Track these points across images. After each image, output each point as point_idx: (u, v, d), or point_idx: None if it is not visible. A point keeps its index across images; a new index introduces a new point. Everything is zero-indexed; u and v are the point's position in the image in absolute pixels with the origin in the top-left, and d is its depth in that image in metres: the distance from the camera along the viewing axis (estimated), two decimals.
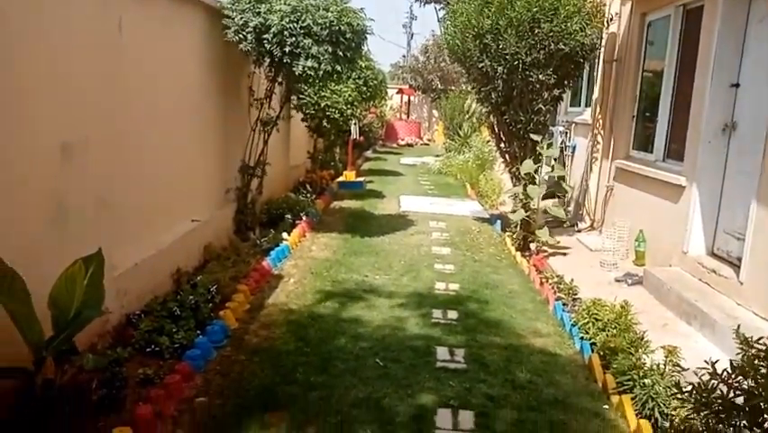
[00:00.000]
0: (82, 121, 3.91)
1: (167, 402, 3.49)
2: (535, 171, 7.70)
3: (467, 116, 17.68)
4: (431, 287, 6.21)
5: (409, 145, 26.53)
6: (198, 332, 4.45)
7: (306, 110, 9.71)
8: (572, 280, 6.17)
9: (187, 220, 6.05)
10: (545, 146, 7.49)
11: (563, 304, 5.71)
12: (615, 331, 4.66)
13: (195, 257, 6.13)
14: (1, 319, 2.95)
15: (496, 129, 8.35)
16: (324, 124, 9.96)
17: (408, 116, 29.75)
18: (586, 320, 4.95)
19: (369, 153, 20.36)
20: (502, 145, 8.34)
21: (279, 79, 7.54)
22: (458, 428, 3.53)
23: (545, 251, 7.73)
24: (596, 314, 4.94)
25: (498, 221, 9.34)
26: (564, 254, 7.78)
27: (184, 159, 5.96)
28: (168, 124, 5.49)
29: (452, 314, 5.45)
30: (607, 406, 3.95)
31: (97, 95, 4.09)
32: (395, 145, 25.99)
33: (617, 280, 6.62)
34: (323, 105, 9.75)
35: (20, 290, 2.94)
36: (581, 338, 4.86)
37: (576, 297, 5.93)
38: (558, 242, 7.94)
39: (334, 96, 9.87)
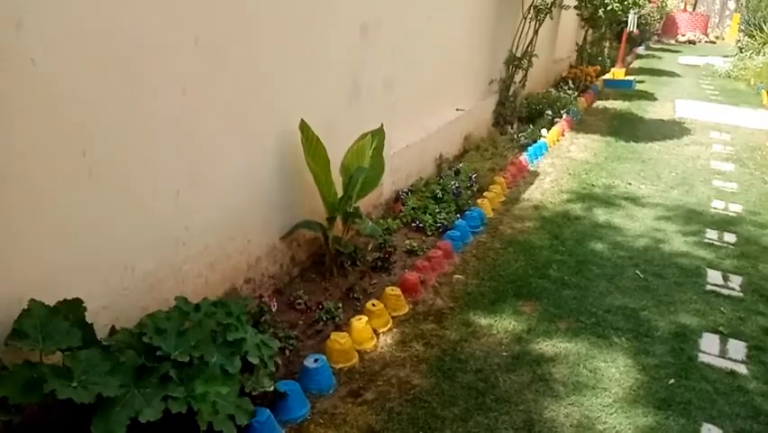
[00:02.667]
0: (377, 2, 4.14)
1: (429, 273, 3.81)
2: None
3: None
4: (706, 204, 5.56)
5: (691, 42, 23.09)
6: (458, 216, 4.69)
7: None
8: None
9: (452, 108, 6.23)
10: None
11: None
12: None
13: (455, 145, 6.34)
14: (308, 180, 3.46)
15: None
16: (600, 13, 9.08)
17: (695, 8, 25.58)
18: None
19: (640, 50, 18.26)
20: None
21: None
22: (726, 355, 3.24)
23: None
24: None
25: None
26: None
27: (455, 47, 6.03)
28: (444, 10, 5.55)
29: (730, 237, 4.85)
30: None
31: None
32: (673, 42, 22.86)
33: None
34: None
35: (322, 155, 3.39)
36: None
37: None
38: None
39: None
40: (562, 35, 10.58)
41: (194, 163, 2.77)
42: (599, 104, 9.97)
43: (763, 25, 13.72)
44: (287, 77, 3.32)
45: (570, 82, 10.16)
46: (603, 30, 11.53)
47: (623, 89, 11.16)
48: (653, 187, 5.97)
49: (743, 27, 16.87)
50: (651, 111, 9.56)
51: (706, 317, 3.61)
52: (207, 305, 2.51)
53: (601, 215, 5.16)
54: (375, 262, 3.88)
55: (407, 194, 4.93)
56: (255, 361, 2.27)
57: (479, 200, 5.05)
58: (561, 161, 6.66)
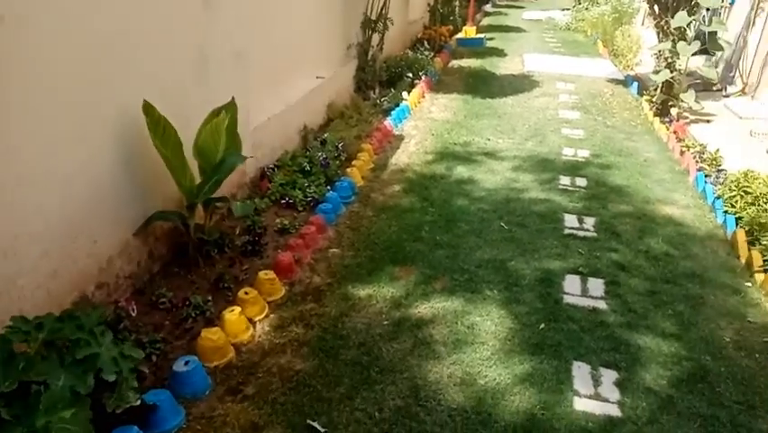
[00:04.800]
0: None
1: (304, 251, 3.70)
2: (688, 25, 6.78)
3: None
4: (558, 152, 5.92)
5: None
6: (328, 188, 4.59)
7: None
8: (718, 150, 5.62)
9: (312, 77, 6.05)
10: None
11: (705, 175, 5.25)
12: None
13: (319, 114, 6.19)
14: (160, 167, 3.16)
15: None
16: None
17: None
18: (734, 193, 4.54)
19: (488, 7, 18.96)
20: None
21: None
22: (587, 294, 3.48)
23: (686, 117, 7.04)
24: (746, 186, 4.51)
25: (635, 83, 8.53)
26: (708, 122, 7.05)
27: (310, 13, 5.81)
28: None
29: (581, 181, 5.20)
30: (749, 283, 3.70)
31: None
32: None
33: None
34: None
35: (172, 137, 3.10)
36: (725, 212, 4.50)
37: (721, 168, 5.43)
38: (702, 107, 7.16)
39: None
40: None
41: (17, 159, 2.40)
42: (455, 63, 10.23)
43: None
44: (124, 53, 2.97)
45: (425, 43, 10.30)
46: None
47: (475, 47, 11.54)
48: (509, 140, 6.24)
49: None
50: (502, 67, 9.98)
51: (566, 260, 3.84)
52: (52, 321, 2.22)
53: (465, 172, 5.30)
54: (245, 247, 3.69)
55: (274, 170, 4.74)
56: (112, 377, 2.04)
57: (348, 170, 4.98)
58: (423, 123, 6.75)
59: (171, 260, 3.52)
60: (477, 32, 12.49)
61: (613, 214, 4.56)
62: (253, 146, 4.58)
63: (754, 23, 7.81)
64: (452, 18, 12.78)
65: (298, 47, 5.63)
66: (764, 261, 3.81)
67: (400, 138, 6.21)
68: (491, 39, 12.54)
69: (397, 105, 7.00)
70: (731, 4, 8.59)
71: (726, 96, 8.00)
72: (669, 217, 4.56)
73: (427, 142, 6.11)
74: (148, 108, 2.99)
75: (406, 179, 5.12)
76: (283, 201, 4.41)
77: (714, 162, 5.58)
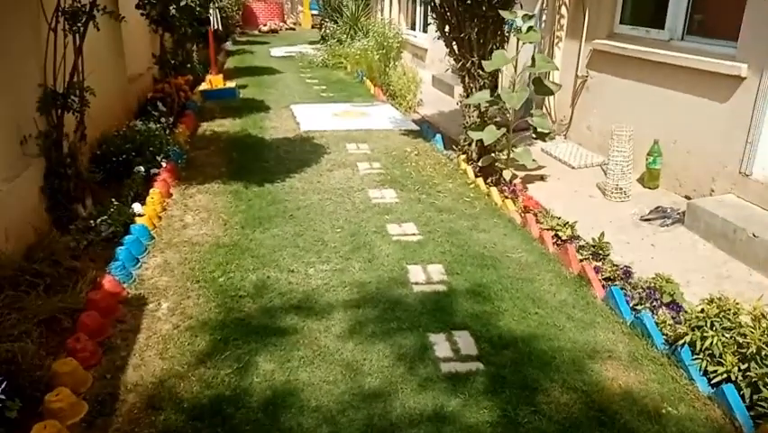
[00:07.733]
0: None
1: None
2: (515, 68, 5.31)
3: None
4: (402, 280, 3.82)
5: (273, 31, 22.66)
6: None
7: None
8: (603, 235, 4.12)
9: None
10: (525, 28, 5.02)
11: (617, 286, 3.63)
12: None
13: None
14: None
15: (437, 4, 5.69)
16: (173, 11, 6.68)
17: None
18: (712, 338, 2.88)
19: (228, 45, 16.56)
20: (447, 29, 5.74)
21: None
22: None
23: (515, 175, 5.59)
24: (731, 327, 2.88)
25: (438, 136, 6.93)
26: (542, 178, 5.70)
27: None
28: None
29: (465, 343, 3.15)
30: None
31: None
32: (256, 32, 22.03)
33: (645, 220, 4.67)
34: None
35: None
36: (708, 375, 2.84)
37: (624, 267, 3.85)
38: (537, 164, 5.79)
39: None
40: (133, 44, 7.79)
41: None
42: (206, 127, 7.65)
43: (344, 9, 13.37)
44: None
45: (160, 104, 7.56)
46: (183, 31, 9.15)
47: (227, 100, 9.12)
48: (322, 266, 3.97)
49: (320, 13, 16.72)
50: (270, 127, 7.68)
51: None
52: None
53: (276, 373, 2.89)
54: None
55: None
56: None
57: None
58: (177, 255, 4.12)
59: None
60: (225, 80, 10.04)
61: (561, 425, 2.57)
62: None
63: (553, 53, 6.76)
64: (189, 65, 10.12)
65: None
66: None
67: (139, 303, 3.52)
68: (244, 87, 10.21)
69: (127, 229, 4.27)
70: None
71: (535, 139, 6.85)
72: (635, 403, 2.73)
73: (190, 301, 3.53)
74: None
75: (165, 428, 2.52)
76: None
77: (601, 253, 4.06)
